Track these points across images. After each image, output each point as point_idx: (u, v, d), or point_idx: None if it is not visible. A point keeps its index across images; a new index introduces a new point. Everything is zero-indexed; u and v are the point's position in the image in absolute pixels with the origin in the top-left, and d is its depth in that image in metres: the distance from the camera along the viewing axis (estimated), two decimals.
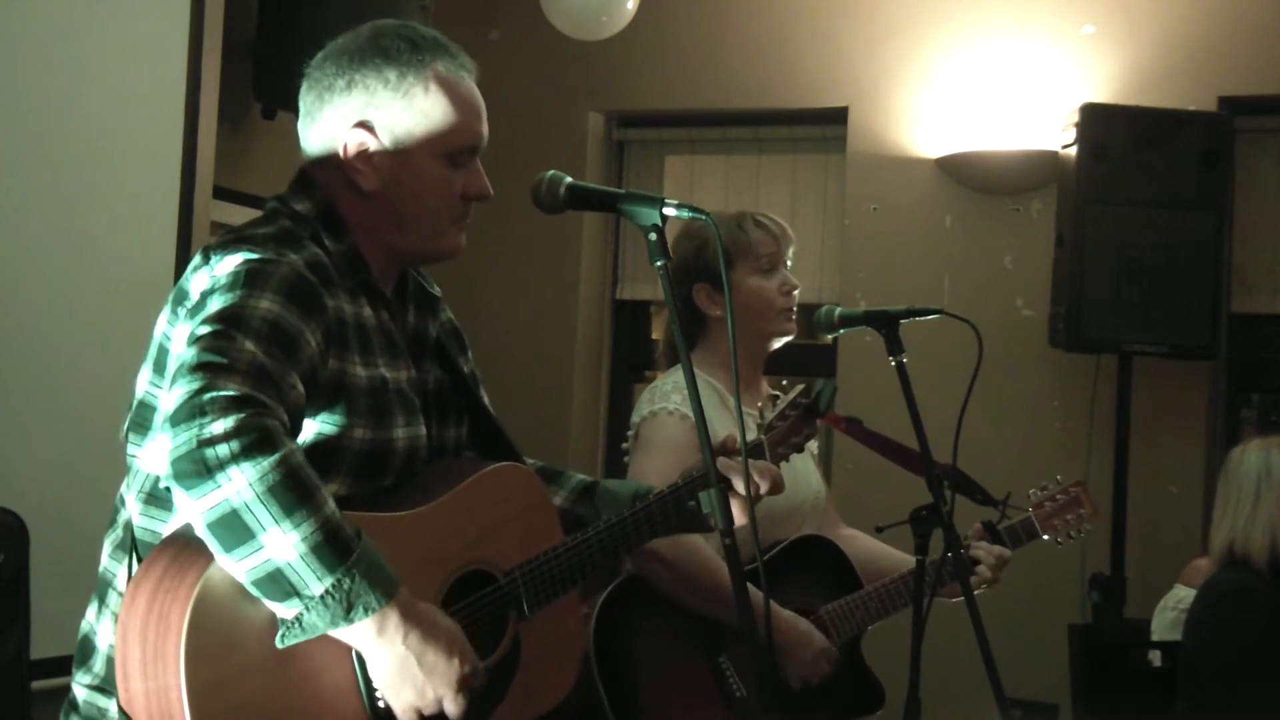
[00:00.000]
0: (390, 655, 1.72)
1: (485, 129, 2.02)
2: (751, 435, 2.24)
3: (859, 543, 2.98)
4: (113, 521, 1.91)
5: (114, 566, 1.89)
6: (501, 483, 2.02)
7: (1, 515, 2.44)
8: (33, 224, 3.20)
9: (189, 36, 3.59)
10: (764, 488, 2.12)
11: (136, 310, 3.39)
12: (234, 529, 1.60)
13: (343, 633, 1.69)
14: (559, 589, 1.99)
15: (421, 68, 1.94)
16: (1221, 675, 3.06)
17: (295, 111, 2.01)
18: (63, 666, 2.83)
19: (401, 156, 1.94)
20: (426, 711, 1.78)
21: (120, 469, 1.91)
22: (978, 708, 2.73)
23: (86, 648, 1.90)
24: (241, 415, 1.61)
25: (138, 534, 1.85)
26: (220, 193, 3.80)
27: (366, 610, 1.67)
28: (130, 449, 1.89)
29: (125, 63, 3.43)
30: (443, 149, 1.95)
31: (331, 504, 1.66)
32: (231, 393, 1.62)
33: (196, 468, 1.59)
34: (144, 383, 1.89)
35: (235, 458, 1.59)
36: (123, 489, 1.91)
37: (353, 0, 3.97)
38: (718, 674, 2.66)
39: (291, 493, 1.61)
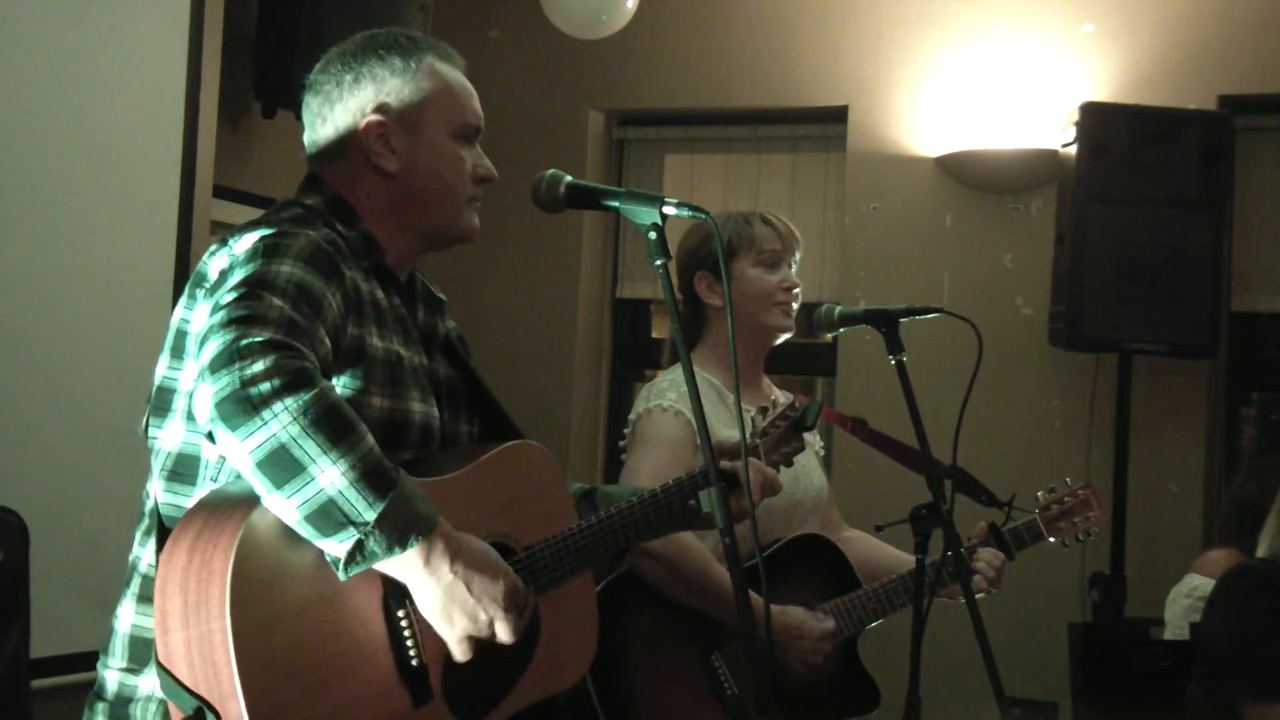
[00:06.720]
0: (438, 584, 1.74)
1: (481, 112, 2.12)
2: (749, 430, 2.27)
3: (860, 544, 2.97)
4: (140, 514, 1.94)
5: (140, 551, 1.92)
6: (523, 459, 2.06)
7: (1, 514, 2.43)
8: (33, 224, 3.20)
9: (189, 35, 3.58)
10: (759, 489, 2.19)
11: (137, 309, 3.41)
12: (283, 464, 1.64)
13: (391, 564, 1.71)
14: (570, 571, 2.03)
15: (420, 58, 2.05)
16: (1238, 652, 2.96)
17: (295, 110, 2.03)
18: (63, 666, 2.84)
19: (416, 136, 2.03)
20: (481, 636, 1.79)
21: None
22: (978, 708, 2.73)
23: (112, 635, 1.92)
24: (278, 355, 1.67)
25: (163, 510, 1.88)
26: (220, 191, 3.79)
27: (417, 536, 1.71)
28: (152, 432, 1.93)
29: (125, 62, 3.42)
30: (451, 126, 2.05)
31: (370, 437, 1.70)
32: (266, 337, 1.68)
33: (242, 407, 1.64)
34: (162, 368, 1.93)
35: (278, 393, 1.64)
36: (148, 479, 1.93)
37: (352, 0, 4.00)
38: (709, 672, 2.65)
39: (334, 425, 1.66)
